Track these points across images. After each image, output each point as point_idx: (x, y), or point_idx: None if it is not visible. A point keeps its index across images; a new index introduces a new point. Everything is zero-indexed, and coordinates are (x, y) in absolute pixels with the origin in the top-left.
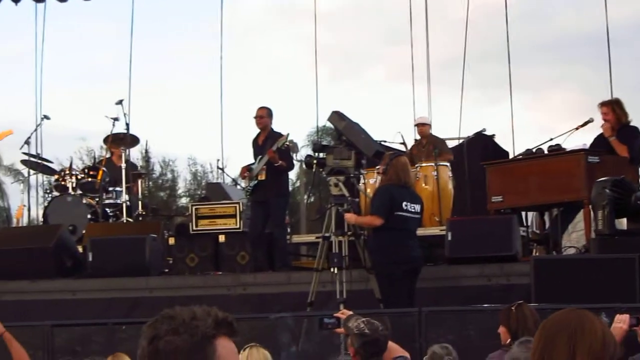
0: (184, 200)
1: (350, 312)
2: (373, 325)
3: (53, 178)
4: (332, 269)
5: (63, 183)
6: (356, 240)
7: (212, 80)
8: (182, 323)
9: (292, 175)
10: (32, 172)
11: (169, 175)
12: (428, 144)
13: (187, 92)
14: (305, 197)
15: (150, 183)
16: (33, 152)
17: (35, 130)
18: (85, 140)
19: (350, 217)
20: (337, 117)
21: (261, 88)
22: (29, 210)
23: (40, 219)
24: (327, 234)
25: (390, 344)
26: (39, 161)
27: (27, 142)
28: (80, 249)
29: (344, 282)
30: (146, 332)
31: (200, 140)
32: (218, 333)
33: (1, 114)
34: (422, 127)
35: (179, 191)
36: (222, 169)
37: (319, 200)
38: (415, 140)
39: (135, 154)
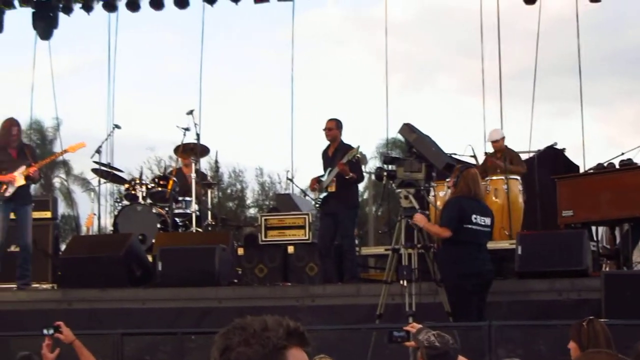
0: (252, 211)
1: (420, 325)
2: (444, 339)
3: (123, 187)
4: (401, 282)
5: (133, 192)
6: (426, 252)
7: (282, 90)
8: (253, 334)
9: (360, 187)
10: (102, 181)
11: (238, 186)
12: (502, 158)
13: (256, 102)
14: (374, 209)
15: (219, 193)
16: (104, 161)
17: (107, 139)
18: (153, 150)
19: (420, 218)
20: (407, 129)
21: (331, 99)
22: (99, 218)
23: (110, 227)
24: (396, 246)
25: (461, 358)
26: (110, 170)
27: (98, 151)
28: (149, 258)
29: (413, 294)
30: (218, 342)
31: (268, 151)
32: (289, 344)
33: (74, 122)
34: (496, 142)
35: (248, 202)
36: (292, 180)
37: (388, 212)
38: (488, 153)
39: (203, 164)
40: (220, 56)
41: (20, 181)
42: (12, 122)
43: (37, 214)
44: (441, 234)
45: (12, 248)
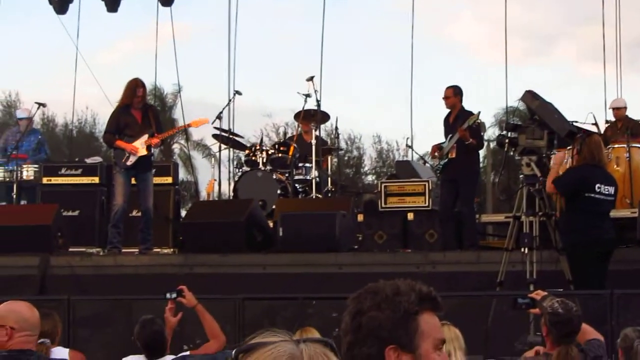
0: (369, 178)
1: (545, 293)
2: (567, 306)
3: (243, 153)
4: (522, 249)
5: (253, 158)
6: (547, 220)
7: (402, 56)
8: (384, 298)
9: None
10: (223, 146)
11: (355, 153)
12: (623, 127)
13: (375, 69)
14: (492, 177)
15: (336, 160)
16: (224, 127)
17: (227, 105)
18: (270, 117)
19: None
20: (530, 96)
21: (450, 68)
22: (219, 184)
23: (230, 193)
24: (517, 214)
25: (584, 326)
26: (230, 136)
27: (218, 117)
28: (270, 224)
29: (534, 262)
30: (350, 306)
31: (386, 118)
32: (421, 308)
33: (193, 88)
34: (618, 110)
35: (365, 169)
36: (411, 147)
37: (507, 180)
38: (609, 121)
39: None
40: (341, 23)
41: (142, 152)
42: (137, 83)
43: (158, 180)
44: (548, 187)
45: (134, 213)
